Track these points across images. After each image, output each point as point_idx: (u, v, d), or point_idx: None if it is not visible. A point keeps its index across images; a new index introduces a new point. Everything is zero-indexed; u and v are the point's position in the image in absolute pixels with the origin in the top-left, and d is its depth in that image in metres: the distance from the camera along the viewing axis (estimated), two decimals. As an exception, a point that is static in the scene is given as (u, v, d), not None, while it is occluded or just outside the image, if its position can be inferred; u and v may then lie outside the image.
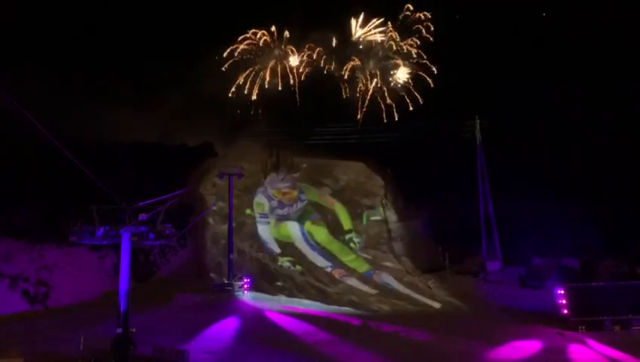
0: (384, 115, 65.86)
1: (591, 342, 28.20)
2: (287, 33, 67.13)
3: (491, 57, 60.84)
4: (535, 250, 42.12)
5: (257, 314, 33.90)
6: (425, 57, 66.00)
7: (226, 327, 30.76)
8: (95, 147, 52.49)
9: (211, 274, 42.70)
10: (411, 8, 65.70)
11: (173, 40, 67.37)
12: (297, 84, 68.02)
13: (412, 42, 66.23)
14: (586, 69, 54.21)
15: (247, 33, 67.12)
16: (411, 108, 65.57)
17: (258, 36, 67.59)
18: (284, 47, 68.26)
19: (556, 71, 56.35)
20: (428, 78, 66.05)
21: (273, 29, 67.27)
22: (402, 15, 65.91)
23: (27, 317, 33.45)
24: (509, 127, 52.75)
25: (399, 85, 67.01)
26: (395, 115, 65.55)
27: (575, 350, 27.17)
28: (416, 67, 66.32)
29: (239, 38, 66.91)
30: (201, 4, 69.84)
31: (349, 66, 67.68)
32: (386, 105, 66.63)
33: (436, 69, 65.03)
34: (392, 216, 56.07)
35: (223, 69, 66.52)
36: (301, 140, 65.96)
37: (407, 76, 66.48)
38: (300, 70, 67.92)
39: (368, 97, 66.88)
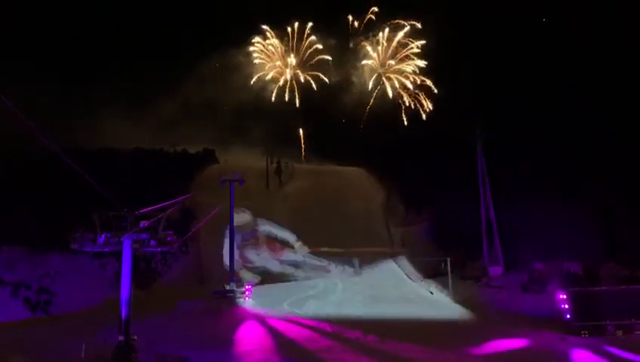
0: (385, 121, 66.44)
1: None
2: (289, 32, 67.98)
3: (492, 63, 61.03)
4: (537, 255, 42.06)
5: (259, 320, 33.85)
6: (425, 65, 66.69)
7: (228, 334, 30.71)
8: (96, 153, 52.69)
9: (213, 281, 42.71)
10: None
11: (173, 47, 67.76)
12: (298, 89, 68.47)
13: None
14: (586, 73, 54.25)
15: (248, 41, 67.88)
16: (407, 113, 66.28)
17: (259, 44, 68.20)
18: (285, 52, 68.84)
19: (557, 75, 56.45)
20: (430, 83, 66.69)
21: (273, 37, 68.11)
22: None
23: (29, 324, 33.42)
24: (510, 131, 52.82)
25: (401, 92, 67.53)
26: (404, 116, 66.28)
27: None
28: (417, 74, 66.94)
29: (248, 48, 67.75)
30: (202, 10, 70.29)
31: (351, 73, 68.19)
32: (387, 111, 67.03)
33: (436, 78, 65.71)
34: (393, 222, 56.13)
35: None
36: (301, 146, 66.37)
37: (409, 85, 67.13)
38: (301, 76, 68.43)
39: (370, 103, 67.37)
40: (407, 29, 66.08)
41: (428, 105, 65.86)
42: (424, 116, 65.80)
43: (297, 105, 67.95)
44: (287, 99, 68.04)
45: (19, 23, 61.07)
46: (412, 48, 66.35)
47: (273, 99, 67.87)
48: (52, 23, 63.49)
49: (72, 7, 64.70)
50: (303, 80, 68.09)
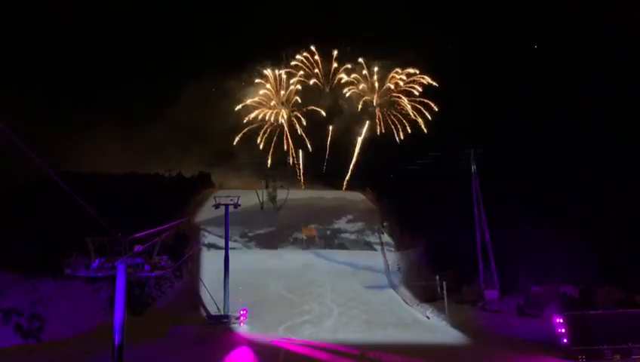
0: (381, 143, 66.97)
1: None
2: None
3: (486, 87, 61.82)
4: (533, 278, 41.86)
5: (254, 346, 33.49)
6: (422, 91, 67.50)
7: (223, 360, 30.34)
8: (91, 178, 52.57)
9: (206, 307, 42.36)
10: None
11: (171, 73, 68.48)
12: (292, 115, 69.01)
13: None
14: (580, 98, 54.92)
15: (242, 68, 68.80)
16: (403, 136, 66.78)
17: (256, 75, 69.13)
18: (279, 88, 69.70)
19: (551, 99, 57.12)
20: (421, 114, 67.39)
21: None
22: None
23: (20, 351, 32.87)
24: (505, 154, 53.15)
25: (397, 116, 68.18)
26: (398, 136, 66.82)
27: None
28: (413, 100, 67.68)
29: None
30: (199, 38, 71.31)
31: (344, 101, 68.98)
32: (382, 135, 67.60)
33: (433, 102, 66.46)
34: (389, 246, 55.99)
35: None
36: (297, 171, 66.53)
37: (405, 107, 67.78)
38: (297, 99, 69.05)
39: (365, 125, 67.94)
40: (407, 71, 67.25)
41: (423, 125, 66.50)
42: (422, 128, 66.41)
43: (290, 134, 68.59)
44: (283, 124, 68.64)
45: (13, 51, 61.79)
46: (409, 82, 67.42)
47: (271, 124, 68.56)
48: (44, 47, 64.25)
49: (66, 32, 65.59)
50: (296, 118, 68.91)
